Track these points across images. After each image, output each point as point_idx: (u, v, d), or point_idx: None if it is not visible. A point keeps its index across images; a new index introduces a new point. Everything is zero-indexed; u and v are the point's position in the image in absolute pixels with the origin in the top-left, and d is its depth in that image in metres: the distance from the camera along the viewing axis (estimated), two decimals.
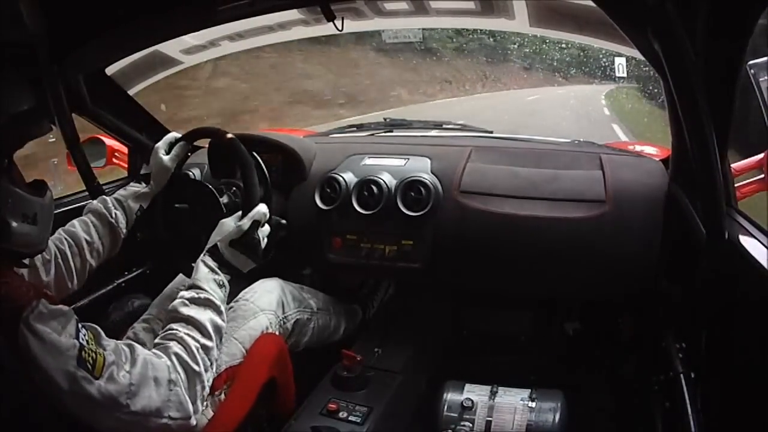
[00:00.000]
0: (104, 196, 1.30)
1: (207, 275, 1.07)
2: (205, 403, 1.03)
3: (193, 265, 1.11)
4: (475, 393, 1.24)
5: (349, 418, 1.23)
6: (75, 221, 1.24)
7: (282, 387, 1.27)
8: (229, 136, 1.29)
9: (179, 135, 1.40)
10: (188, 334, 0.98)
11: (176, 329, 0.99)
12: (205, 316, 1.02)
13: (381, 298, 1.73)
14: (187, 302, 1.03)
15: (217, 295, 1.06)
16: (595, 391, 1.52)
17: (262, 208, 1.16)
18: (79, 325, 0.85)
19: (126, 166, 1.79)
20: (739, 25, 0.91)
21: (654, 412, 1.24)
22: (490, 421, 1.19)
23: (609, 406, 1.50)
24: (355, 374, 1.32)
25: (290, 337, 1.36)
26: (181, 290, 1.08)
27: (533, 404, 1.20)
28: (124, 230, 1.28)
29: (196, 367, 0.96)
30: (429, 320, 1.66)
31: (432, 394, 1.29)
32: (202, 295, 1.04)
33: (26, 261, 0.99)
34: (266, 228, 1.17)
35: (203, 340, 0.99)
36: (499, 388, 1.25)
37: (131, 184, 1.35)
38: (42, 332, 0.80)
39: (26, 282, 0.93)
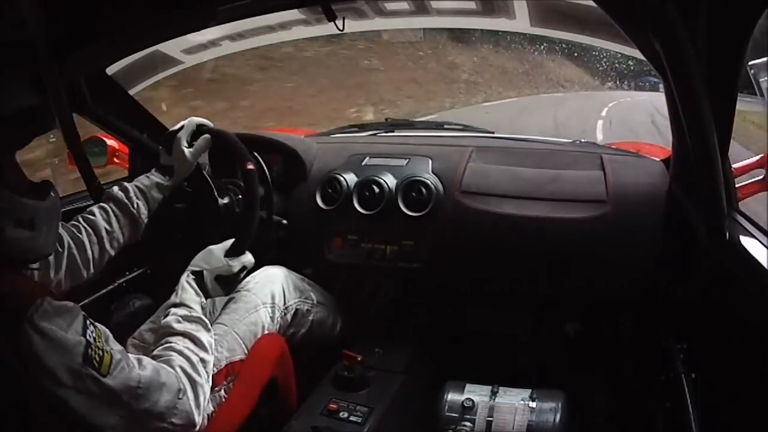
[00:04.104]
0: (125, 184, 1.27)
1: (194, 297, 1.11)
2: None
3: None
4: (476, 393, 1.24)
5: (350, 418, 1.23)
6: (95, 209, 1.21)
7: (283, 387, 1.28)
8: (250, 167, 1.27)
9: (203, 122, 1.35)
10: (188, 348, 1.01)
11: (174, 342, 1.01)
12: (199, 332, 1.05)
13: (380, 302, 1.73)
14: (180, 319, 1.06)
15: (204, 316, 1.11)
16: (596, 391, 1.52)
17: (251, 258, 1.21)
18: (87, 322, 0.84)
19: (127, 166, 1.79)
20: (739, 25, 0.91)
21: (654, 412, 1.24)
22: (491, 421, 1.19)
23: (609, 406, 1.50)
24: (356, 374, 1.32)
25: (289, 328, 1.36)
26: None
27: (534, 404, 1.20)
28: (146, 220, 1.27)
29: (198, 379, 0.98)
30: (429, 320, 1.66)
31: (432, 394, 1.29)
32: (193, 314, 1.08)
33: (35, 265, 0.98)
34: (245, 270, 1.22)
35: (202, 354, 1.02)
36: (500, 388, 1.25)
37: (153, 172, 1.32)
38: (47, 330, 0.78)
39: (30, 281, 0.92)
